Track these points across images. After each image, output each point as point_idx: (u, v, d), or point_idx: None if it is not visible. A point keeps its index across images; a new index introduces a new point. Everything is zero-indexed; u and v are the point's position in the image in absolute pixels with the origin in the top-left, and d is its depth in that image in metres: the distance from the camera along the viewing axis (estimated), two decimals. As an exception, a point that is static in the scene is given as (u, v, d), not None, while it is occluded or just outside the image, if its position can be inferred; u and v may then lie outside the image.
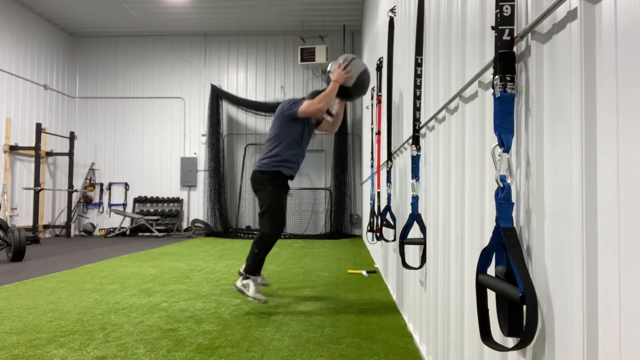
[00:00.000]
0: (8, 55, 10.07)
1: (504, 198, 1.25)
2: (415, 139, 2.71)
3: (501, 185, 1.25)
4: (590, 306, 0.94)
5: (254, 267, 3.70)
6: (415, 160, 2.72)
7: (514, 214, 1.29)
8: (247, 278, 3.66)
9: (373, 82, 5.64)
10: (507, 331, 1.22)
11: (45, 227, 11.08)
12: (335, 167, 11.06)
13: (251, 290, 3.58)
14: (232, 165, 11.93)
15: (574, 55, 1.01)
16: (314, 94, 4.07)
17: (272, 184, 3.84)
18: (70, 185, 11.28)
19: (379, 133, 5.26)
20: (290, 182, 4.06)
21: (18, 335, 2.97)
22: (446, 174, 2.14)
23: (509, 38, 1.27)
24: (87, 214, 12.06)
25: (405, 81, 3.45)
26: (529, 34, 1.24)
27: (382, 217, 4.21)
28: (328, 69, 3.92)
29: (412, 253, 3.12)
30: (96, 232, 11.87)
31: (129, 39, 12.24)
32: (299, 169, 4.15)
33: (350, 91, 3.88)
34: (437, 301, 2.30)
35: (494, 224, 1.27)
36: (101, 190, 12.09)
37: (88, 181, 11.99)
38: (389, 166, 4.17)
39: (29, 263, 6.40)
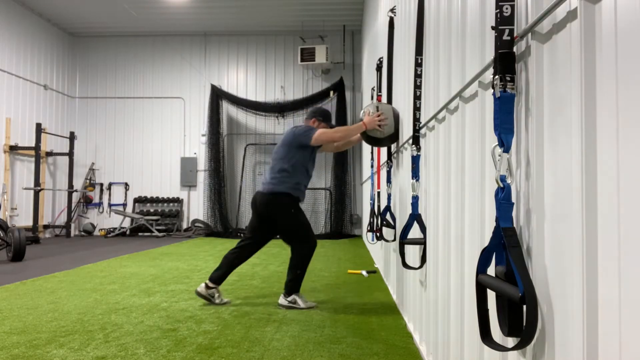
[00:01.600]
0: (8, 55, 10.07)
1: (504, 198, 1.25)
2: (415, 139, 2.71)
3: (501, 185, 1.25)
4: (590, 306, 0.94)
5: (297, 285, 3.79)
6: (415, 160, 2.72)
7: (514, 214, 1.29)
8: (290, 295, 3.76)
9: (373, 82, 5.64)
10: (507, 331, 1.22)
11: (45, 227, 11.08)
12: (335, 167, 11.06)
13: (301, 303, 3.72)
14: (232, 165, 11.92)
15: (574, 55, 1.01)
16: (314, 113, 4.03)
17: (294, 207, 3.82)
18: (70, 185, 11.28)
19: (379, 133, 5.25)
20: None
21: (18, 335, 2.97)
22: (446, 174, 2.14)
23: (509, 38, 1.27)
24: (87, 214, 12.06)
25: (405, 81, 3.44)
26: (529, 34, 1.24)
27: (382, 217, 4.21)
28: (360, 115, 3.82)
29: (412, 253, 3.12)
30: (96, 232, 11.87)
31: (129, 39, 12.24)
32: None
33: (382, 141, 3.80)
34: (437, 301, 2.30)
35: (494, 224, 1.27)
36: (101, 190, 12.09)
37: (88, 181, 11.99)
38: (389, 166, 4.17)
39: (29, 263, 6.40)
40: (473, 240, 1.70)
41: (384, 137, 3.74)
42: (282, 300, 3.78)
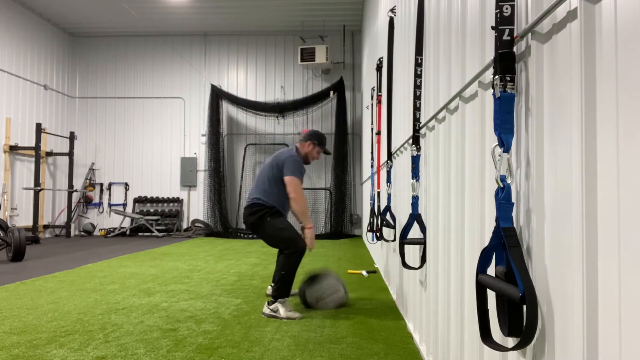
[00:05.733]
0: (8, 55, 10.07)
1: (504, 198, 1.25)
2: (415, 139, 2.71)
3: (501, 185, 1.25)
4: (590, 306, 0.94)
5: (282, 290, 3.53)
6: (415, 160, 2.72)
7: (514, 214, 1.29)
8: (274, 302, 3.50)
9: (373, 82, 5.62)
10: (507, 331, 1.22)
11: (45, 227, 11.08)
12: (335, 167, 11.05)
13: (282, 312, 3.45)
14: (232, 165, 11.92)
15: (574, 55, 1.01)
16: (311, 136, 4.00)
17: (269, 214, 3.73)
18: (70, 185, 11.28)
19: (379, 133, 5.26)
20: None
21: (18, 335, 2.97)
22: (446, 174, 2.14)
23: (509, 38, 1.27)
24: (87, 214, 12.06)
25: (405, 81, 3.44)
26: (529, 34, 1.24)
27: (382, 217, 4.21)
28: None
29: (412, 253, 3.12)
30: (96, 232, 11.87)
31: (129, 39, 12.23)
32: None
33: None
34: (437, 301, 2.30)
35: (494, 224, 1.27)
36: (101, 190, 12.09)
37: (88, 181, 11.99)
38: (389, 166, 4.17)
39: (29, 263, 6.40)
40: (473, 240, 1.70)
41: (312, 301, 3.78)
42: (265, 308, 3.56)
